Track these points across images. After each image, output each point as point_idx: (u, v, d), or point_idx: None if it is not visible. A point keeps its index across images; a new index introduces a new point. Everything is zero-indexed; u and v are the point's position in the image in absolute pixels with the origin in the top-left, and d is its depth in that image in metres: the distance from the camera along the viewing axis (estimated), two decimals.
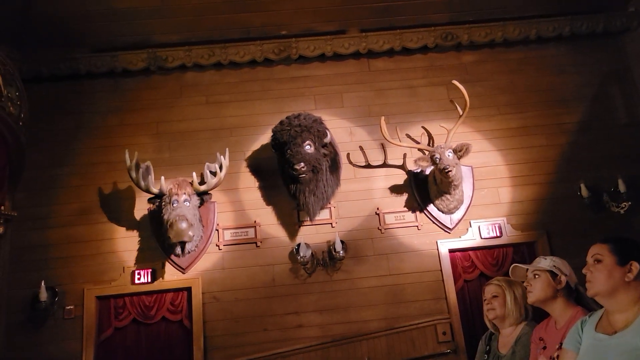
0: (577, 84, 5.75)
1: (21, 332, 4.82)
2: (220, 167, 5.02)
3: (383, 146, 5.39)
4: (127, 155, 4.87)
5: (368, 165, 5.41)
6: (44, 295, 4.75)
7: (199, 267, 5.07)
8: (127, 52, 5.55)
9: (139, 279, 5.00)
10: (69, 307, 4.89)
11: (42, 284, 4.77)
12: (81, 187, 5.30)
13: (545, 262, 2.62)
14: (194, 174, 4.89)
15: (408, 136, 5.46)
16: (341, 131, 5.49)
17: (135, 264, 5.06)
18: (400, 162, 5.40)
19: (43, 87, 5.50)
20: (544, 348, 2.48)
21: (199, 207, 4.94)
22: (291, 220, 5.25)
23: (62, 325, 4.86)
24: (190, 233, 4.64)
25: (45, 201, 5.21)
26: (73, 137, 5.43)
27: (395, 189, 5.35)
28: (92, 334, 4.83)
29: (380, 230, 5.22)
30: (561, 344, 2.23)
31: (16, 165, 4.67)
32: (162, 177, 4.82)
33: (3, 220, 4.48)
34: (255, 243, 5.17)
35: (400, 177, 5.38)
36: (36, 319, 4.83)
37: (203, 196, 4.93)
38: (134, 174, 4.86)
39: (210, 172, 5.00)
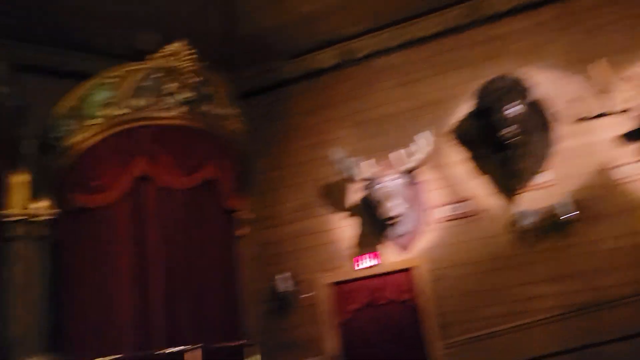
0: None
1: (272, 319, 5.43)
2: (423, 146, 5.03)
3: (602, 92, 4.79)
4: (332, 150, 5.16)
5: (586, 118, 4.87)
6: (284, 285, 5.32)
7: (418, 247, 5.14)
8: (318, 52, 5.89)
9: (363, 263, 5.27)
10: (307, 295, 5.37)
11: (282, 275, 5.34)
12: (297, 185, 5.77)
13: None
14: (401, 151, 4.98)
15: (632, 77, 4.75)
16: (549, 85, 5.03)
17: (357, 249, 5.33)
18: (626, 107, 4.73)
19: (253, 100, 6.10)
20: None
21: (408, 186, 5.04)
22: (506, 188, 4.99)
23: (304, 311, 5.36)
24: (400, 208, 4.79)
25: (271, 201, 5.79)
26: (283, 141, 5.95)
27: (625, 138, 4.71)
28: (330, 318, 5.24)
29: (613, 185, 4.67)
30: None
31: (245, 174, 5.29)
32: (368, 162, 5.00)
33: (246, 222, 5.14)
34: (472, 216, 5.05)
35: (628, 125, 4.72)
36: (282, 307, 5.41)
37: (409, 176, 5.02)
38: (341, 165, 5.13)
39: (413, 151, 5.05)
